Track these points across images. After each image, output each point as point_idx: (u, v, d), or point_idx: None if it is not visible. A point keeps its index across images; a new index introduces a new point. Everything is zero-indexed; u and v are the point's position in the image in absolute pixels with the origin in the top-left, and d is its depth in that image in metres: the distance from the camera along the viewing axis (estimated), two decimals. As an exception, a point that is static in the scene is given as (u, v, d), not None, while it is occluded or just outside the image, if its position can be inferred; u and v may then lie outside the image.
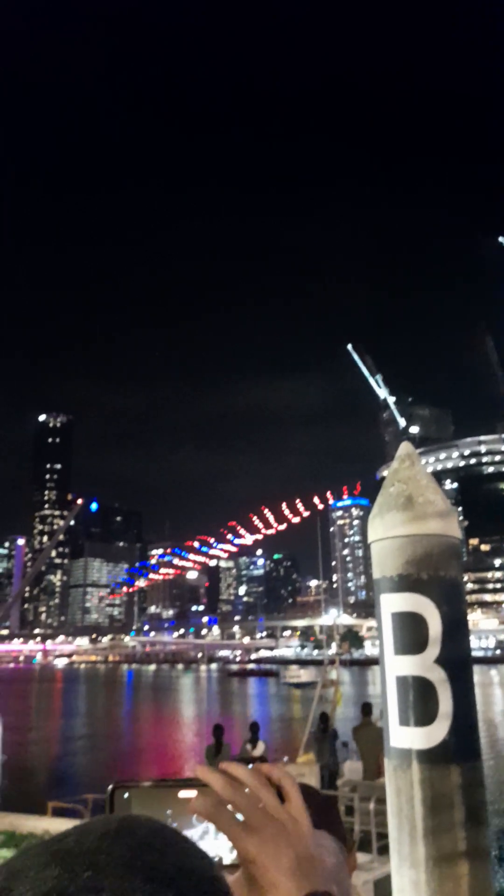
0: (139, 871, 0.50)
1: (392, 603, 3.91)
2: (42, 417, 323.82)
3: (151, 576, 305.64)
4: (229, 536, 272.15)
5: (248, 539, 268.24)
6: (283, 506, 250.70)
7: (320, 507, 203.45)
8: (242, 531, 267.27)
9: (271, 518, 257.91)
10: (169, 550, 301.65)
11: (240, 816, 0.67)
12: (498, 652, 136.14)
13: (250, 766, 0.71)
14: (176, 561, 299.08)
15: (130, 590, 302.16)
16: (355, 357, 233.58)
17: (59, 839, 0.53)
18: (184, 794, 0.71)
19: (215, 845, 0.72)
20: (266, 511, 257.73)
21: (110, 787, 0.72)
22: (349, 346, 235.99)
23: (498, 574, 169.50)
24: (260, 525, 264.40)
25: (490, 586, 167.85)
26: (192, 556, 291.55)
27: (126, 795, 0.71)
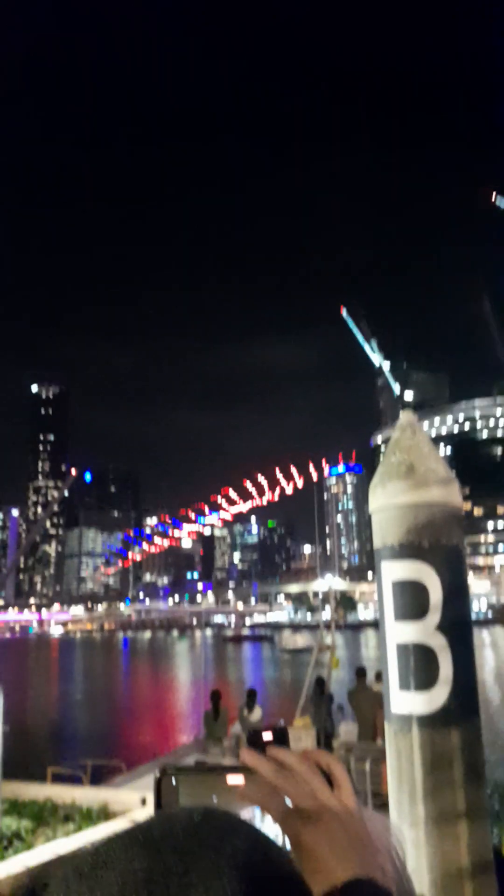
0: (225, 855, 0.51)
1: (393, 571, 3.91)
2: (34, 388, 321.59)
3: (146, 546, 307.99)
4: (223, 504, 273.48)
5: (243, 507, 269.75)
6: (278, 471, 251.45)
7: (315, 478, 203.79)
8: (237, 498, 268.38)
9: (266, 485, 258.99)
10: (164, 517, 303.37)
11: (288, 802, 0.67)
12: (490, 614, 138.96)
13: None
14: (170, 531, 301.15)
15: (126, 564, 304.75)
16: (350, 321, 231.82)
17: (146, 829, 0.54)
18: (232, 780, 0.71)
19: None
20: (260, 478, 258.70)
21: (157, 772, 0.72)
22: (343, 311, 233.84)
23: (491, 538, 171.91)
24: (254, 492, 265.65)
25: (483, 550, 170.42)
26: (186, 527, 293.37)
27: (174, 781, 0.71)
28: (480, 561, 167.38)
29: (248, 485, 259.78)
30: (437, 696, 3.85)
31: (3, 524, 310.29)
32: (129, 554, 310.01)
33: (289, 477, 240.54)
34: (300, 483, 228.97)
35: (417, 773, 3.97)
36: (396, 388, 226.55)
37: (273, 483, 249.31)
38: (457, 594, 3.91)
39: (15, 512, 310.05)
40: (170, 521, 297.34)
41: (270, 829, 0.68)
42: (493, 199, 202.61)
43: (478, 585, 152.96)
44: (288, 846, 0.66)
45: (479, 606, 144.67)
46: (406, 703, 3.91)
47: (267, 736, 0.72)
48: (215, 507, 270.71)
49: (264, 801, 0.66)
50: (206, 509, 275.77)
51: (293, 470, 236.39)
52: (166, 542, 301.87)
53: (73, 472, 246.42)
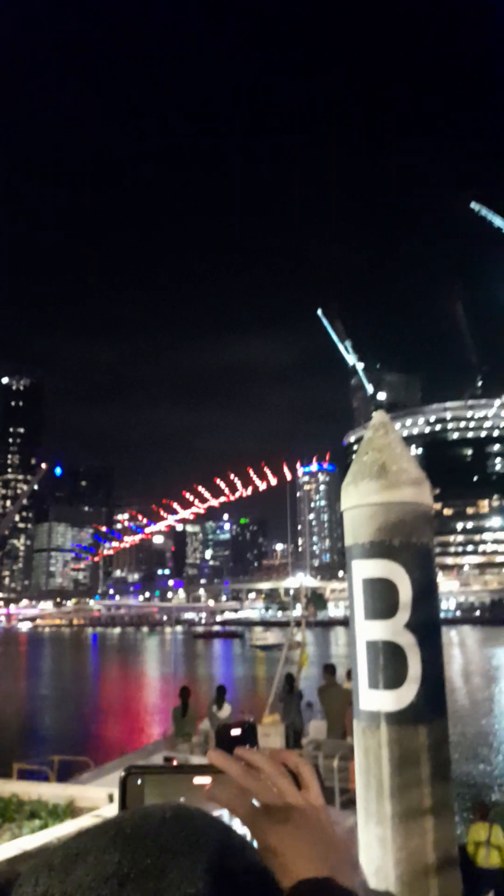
0: (200, 861, 0.50)
1: (364, 569, 3.94)
2: (5, 380, 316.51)
3: (116, 542, 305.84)
4: (196, 501, 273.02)
5: (215, 503, 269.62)
6: (251, 471, 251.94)
7: (289, 477, 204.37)
8: (209, 495, 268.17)
9: (238, 483, 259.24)
10: (135, 513, 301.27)
11: (256, 803, 0.66)
12: (458, 613, 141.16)
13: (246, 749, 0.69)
14: (142, 522, 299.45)
15: (95, 559, 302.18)
16: (325, 322, 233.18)
17: (117, 824, 0.53)
18: (198, 780, 0.69)
19: None
20: (233, 477, 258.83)
21: (123, 772, 0.70)
22: (319, 311, 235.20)
23: (460, 538, 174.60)
24: (226, 490, 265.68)
25: (452, 549, 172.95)
26: (158, 523, 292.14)
27: (139, 781, 0.70)
28: (449, 560, 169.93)
29: (221, 483, 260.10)
30: (405, 694, 3.90)
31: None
32: (100, 549, 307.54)
33: (262, 476, 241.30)
34: (273, 482, 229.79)
35: (385, 770, 4.01)
36: (370, 388, 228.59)
37: (246, 481, 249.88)
38: (426, 593, 3.95)
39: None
40: (141, 518, 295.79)
41: (238, 829, 0.66)
42: (470, 205, 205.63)
43: (446, 585, 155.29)
44: (256, 846, 0.65)
45: (447, 605, 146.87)
46: (375, 700, 3.95)
47: (235, 731, 0.72)
48: (187, 504, 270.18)
49: (231, 802, 0.65)
50: (178, 506, 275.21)
51: (266, 469, 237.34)
52: (137, 538, 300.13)
53: (44, 466, 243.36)
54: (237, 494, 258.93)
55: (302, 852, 0.62)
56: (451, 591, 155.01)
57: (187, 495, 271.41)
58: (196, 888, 0.48)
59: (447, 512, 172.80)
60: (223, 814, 0.68)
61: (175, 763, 0.71)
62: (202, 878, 0.49)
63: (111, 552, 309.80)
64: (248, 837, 0.65)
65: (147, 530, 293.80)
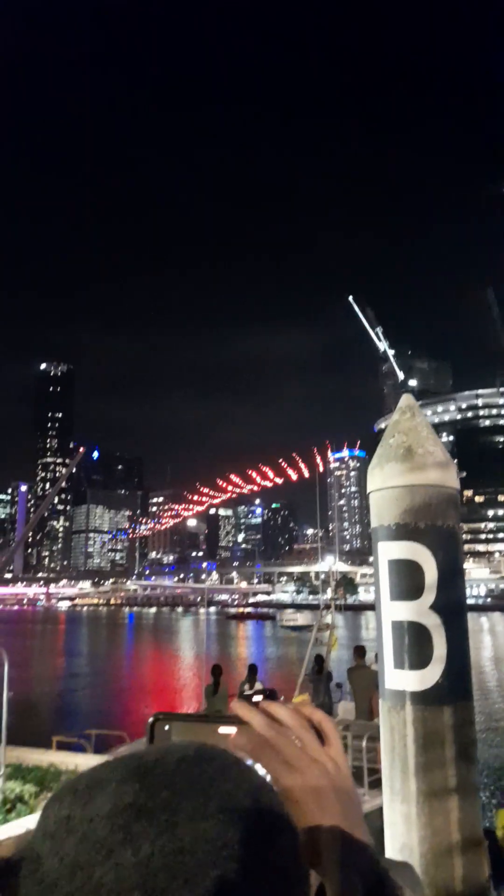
0: (215, 798, 0.51)
1: (389, 550, 3.96)
2: (43, 366, 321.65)
3: (152, 524, 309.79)
4: (228, 488, 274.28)
5: (246, 490, 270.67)
6: (282, 461, 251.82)
7: (320, 468, 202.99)
8: (241, 483, 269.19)
9: (271, 474, 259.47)
10: (168, 498, 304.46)
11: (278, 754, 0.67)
12: (489, 600, 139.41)
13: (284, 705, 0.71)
14: (176, 508, 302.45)
15: (132, 541, 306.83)
16: (356, 309, 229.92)
17: (139, 757, 0.55)
18: (223, 729, 0.71)
19: None
20: (265, 468, 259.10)
21: (151, 718, 0.72)
22: (350, 298, 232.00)
23: (491, 525, 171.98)
24: (258, 478, 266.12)
25: (483, 537, 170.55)
26: (191, 506, 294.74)
27: (167, 727, 0.72)
28: (480, 548, 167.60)
29: (254, 473, 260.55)
30: (430, 675, 3.92)
31: (11, 499, 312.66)
32: (136, 531, 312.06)
33: (294, 465, 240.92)
34: (305, 472, 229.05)
35: (410, 749, 4.06)
36: (401, 374, 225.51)
37: (278, 472, 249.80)
38: (452, 575, 3.96)
39: (23, 487, 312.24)
40: (175, 502, 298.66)
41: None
42: (502, 190, 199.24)
43: (477, 572, 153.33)
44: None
45: (477, 592, 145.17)
46: (400, 680, 3.99)
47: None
48: (220, 491, 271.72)
49: (256, 751, 0.66)
50: (210, 491, 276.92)
51: (296, 458, 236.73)
52: (171, 521, 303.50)
53: (82, 450, 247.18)
54: (269, 484, 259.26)
55: (321, 804, 0.64)
56: (481, 578, 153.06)
57: (220, 482, 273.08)
58: (209, 824, 0.49)
59: (478, 499, 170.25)
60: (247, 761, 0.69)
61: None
62: (216, 815, 0.50)
63: (147, 533, 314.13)
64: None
65: (181, 513, 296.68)
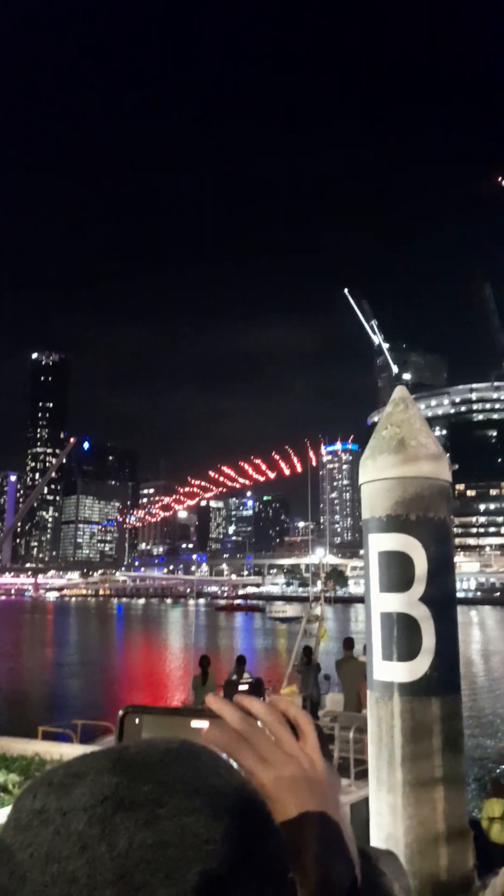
0: (201, 793, 0.50)
1: (380, 542, 3.96)
2: (34, 355, 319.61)
3: (142, 515, 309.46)
4: (221, 479, 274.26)
5: (238, 484, 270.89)
6: (275, 455, 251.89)
7: (313, 461, 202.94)
8: (234, 476, 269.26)
9: (264, 467, 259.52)
10: (159, 490, 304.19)
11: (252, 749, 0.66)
12: (479, 594, 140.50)
13: (259, 698, 0.70)
14: (167, 500, 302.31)
15: (122, 532, 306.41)
16: (352, 302, 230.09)
17: (121, 749, 0.53)
18: (196, 723, 0.69)
19: None
20: (258, 461, 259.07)
21: (122, 711, 0.70)
22: (346, 291, 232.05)
23: (482, 519, 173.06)
24: (251, 471, 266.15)
25: (474, 531, 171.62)
26: (182, 498, 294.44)
27: (137, 721, 0.70)
28: (471, 541, 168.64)
29: (247, 467, 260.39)
30: (418, 666, 3.93)
31: (0, 489, 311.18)
32: (126, 522, 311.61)
33: (287, 459, 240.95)
34: (298, 467, 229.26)
35: (397, 740, 4.07)
36: (395, 368, 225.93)
37: (271, 466, 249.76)
38: (442, 568, 3.96)
39: (13, 477, 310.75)
40: (167, 494, 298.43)
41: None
42: (499, 182, 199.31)
43: (468, 566, 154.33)
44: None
45: (468, 586, 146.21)
46: (388, 671, 3.99)
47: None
48: (213, 483, 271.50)
49: (230, 746, 0.65)
50: (203, 484, 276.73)
51: (290, 451, 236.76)
52: (162, 512, 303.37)
53: (72, 440, 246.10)
54: (262, 478, 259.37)
55: (297, 799, 0.63)
56: (472, 572, 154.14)
57: (212, 474, 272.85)
58: (193, 818, 0.48)
59: (470, 493, 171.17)
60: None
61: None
62: (202, 810, 0.49)
63: (138, 524, 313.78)
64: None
65: (173, 505, 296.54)
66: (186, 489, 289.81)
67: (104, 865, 0.45)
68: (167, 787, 0.49)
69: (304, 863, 0.60)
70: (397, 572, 3.68)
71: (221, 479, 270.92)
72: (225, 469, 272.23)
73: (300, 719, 0.69)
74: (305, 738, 0.68)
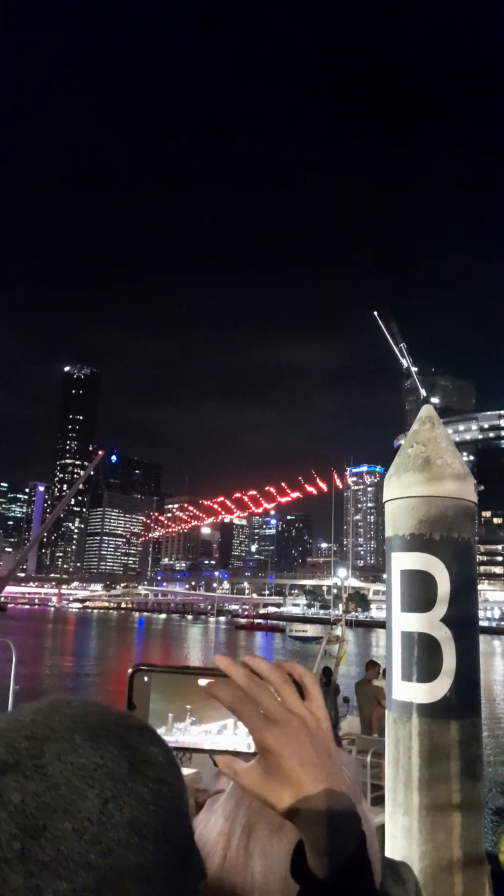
0: (79, 731, 0.51)
1: (402, 561, 3.95)
2: (67, 368, 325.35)
3: (166, 530, 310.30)
4: (245, 500, 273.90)
5: (261, 509, 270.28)
6: (300, 477, 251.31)
7: (339, 485, 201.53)
8: (259, 498, 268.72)
9: (287, 489, 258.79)
10: (186, 505, 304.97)
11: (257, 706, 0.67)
12: (503, 623, 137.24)
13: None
14: (192, 510, 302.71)
15: (145, 545, 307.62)
16: (381, 324, 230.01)
17: None
18: (203, 681, 0.70)
19: (233, 739, 0.71)
20: (283, 484, 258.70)
21: (131, 669, 0.72)
22: (375, 313, 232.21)
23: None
24: (275, 493, 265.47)
25: (500, 559, 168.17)
26: (204, 516, 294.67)
27: (146, 678, 0.71)
28: (497, 570, 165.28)
29: (272, 489, 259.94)
30: (438, 688, 3.90)
31: (28, 498, 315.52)
32: (149, 536, 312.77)
33: (311, 481, 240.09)
34: (324, 487, 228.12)
35: (414, 762, 4.03)
36: (423, 391, 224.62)
37: (295, 488, 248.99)
38: (465, 589, 3.94)
39: (41, 487, 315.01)
40: (191, 508, 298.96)
41: (240, 735, 0.70)
42: None
43: (493, 594, 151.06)
44: (253, 748, 0.66)
45: (493, 614, 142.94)
46: (407, 691, 3.97)
47: None
48: (239, 505, 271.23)
49: (235, 702, 0.66)
50: (228, 504, 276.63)
51: (314, 475, 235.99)
52: (186, 528, 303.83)
53: (100, 452, 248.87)
54: (286, 500, 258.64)
55: (299, 757, 0.64)
56: (497, 601, 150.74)
57: (238, 495, 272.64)
58: (76, 755, 0.50)
59: (497, 521, 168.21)
60: (226, 722, 0.71)
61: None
62: (83, 745, 0.50)
63: (161, 539, 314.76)
64: (248, 736, 0.67)
65: (195, 522, 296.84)
66: (210, 503, 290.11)
67: (4, 823, 0.46)
68: (45, 738, 0.51)
69: (308, 817, 0.61)
70: (419, 592, 3.67)
71: (246, 499, 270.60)
72: (250, 492, 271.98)
73: (306, 679, 0.70)
74: (311, 697, 0.69)
